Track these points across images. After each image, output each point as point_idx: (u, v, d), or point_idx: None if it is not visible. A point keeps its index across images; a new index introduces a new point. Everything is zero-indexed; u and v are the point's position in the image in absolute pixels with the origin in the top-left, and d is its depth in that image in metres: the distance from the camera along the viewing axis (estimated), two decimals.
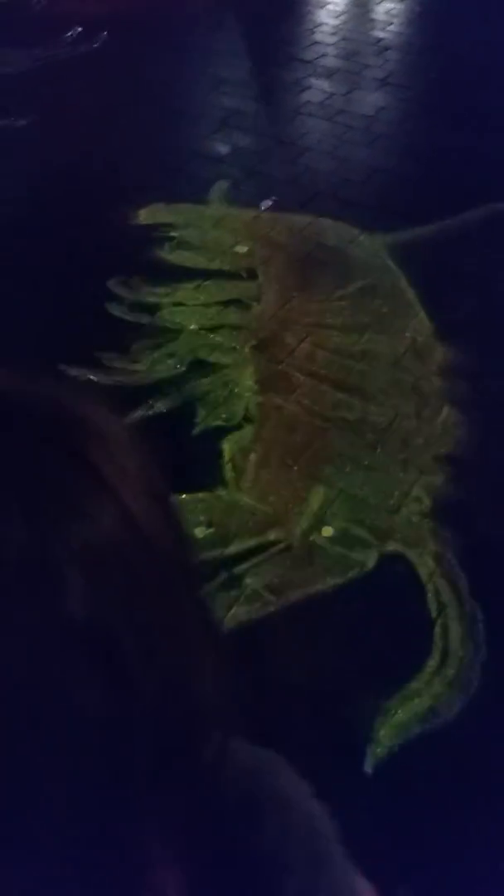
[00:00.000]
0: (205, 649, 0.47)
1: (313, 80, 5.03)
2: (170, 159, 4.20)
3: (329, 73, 5.12)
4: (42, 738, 0.38)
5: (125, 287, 3.29)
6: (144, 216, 3.74)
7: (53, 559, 0.39)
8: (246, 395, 2.89)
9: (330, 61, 5.27)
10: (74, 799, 0.39)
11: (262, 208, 3.74)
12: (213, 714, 0.46)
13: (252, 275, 3.43)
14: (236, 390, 2.91)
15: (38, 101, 4.52)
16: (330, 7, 6.06)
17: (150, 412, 2.79)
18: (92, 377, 2.87)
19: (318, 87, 4.95)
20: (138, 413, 2.76)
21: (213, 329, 3.15)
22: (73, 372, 2.86)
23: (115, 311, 3.19)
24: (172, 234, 3.62)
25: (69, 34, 5.23)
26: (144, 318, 3.17)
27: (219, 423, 2.79)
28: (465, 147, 4.35)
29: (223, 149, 4.36)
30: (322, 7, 6.09)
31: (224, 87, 4.92)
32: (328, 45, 5.48)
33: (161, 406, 2.82)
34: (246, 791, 0.55)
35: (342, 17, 5.91)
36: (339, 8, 6.05)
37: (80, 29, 5.27)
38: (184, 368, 2.97)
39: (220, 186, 3.98)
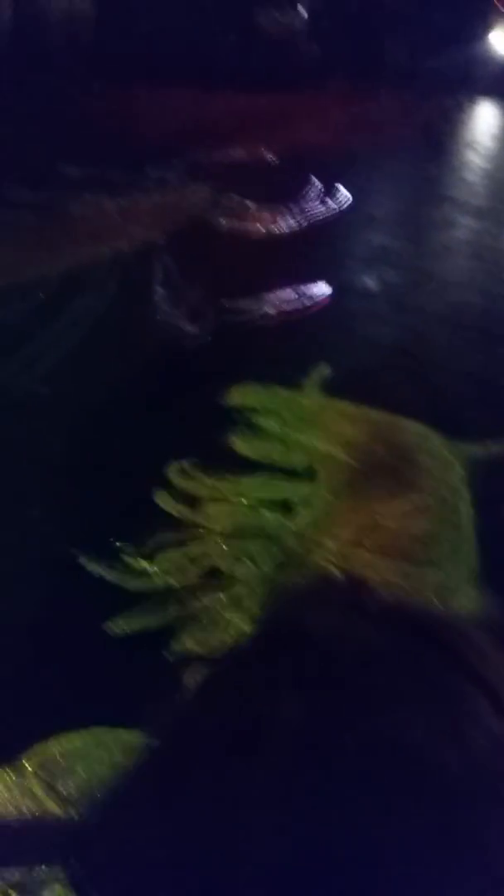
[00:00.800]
0: None
1: (462, 218, 5.22)
2: (277, 263, 4.46)
3: (477, 212, 5.30)
4: None
5: (181, 474, 3.03)
6: (235, 396, 3.52)
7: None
8: (239, 626, 2.42)
9: (478, 200, 5.47)
10: None
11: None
12: None
13: (310, 473, 3.10)
14: (233, 618, 2.45)
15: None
16: (478, 147, 6.31)
17: (138, 625, 2.43)
18: (104, 575, 2.58)
19: (467, 225, 5.13)
20: (124, 621, 2.43)
21: (245, 534, 2.78)
22: (88, 566, 2.61)
23: (162, 501, 2.89)
24: (252, 418, 3.39)
25: (311, 191, 5.37)
26: (184, 513, 2.84)
27: (197, 650, 2.33)
28: None
29: (372, 284, 4.55)
30: (470, 147, 6.36)
31: (375, 224, 5.18)
32: (477, 184, 5.70)
33: (153, 620, 2.45)
34: None
35: (490, 157, 6.14)
36: (488, 148, 6.30)
37: (320, 187, 5.43)
38: (196, 580, 2.58)
39: (320, 372, 3.75)
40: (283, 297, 4.14)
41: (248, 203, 5.13)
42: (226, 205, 5.11)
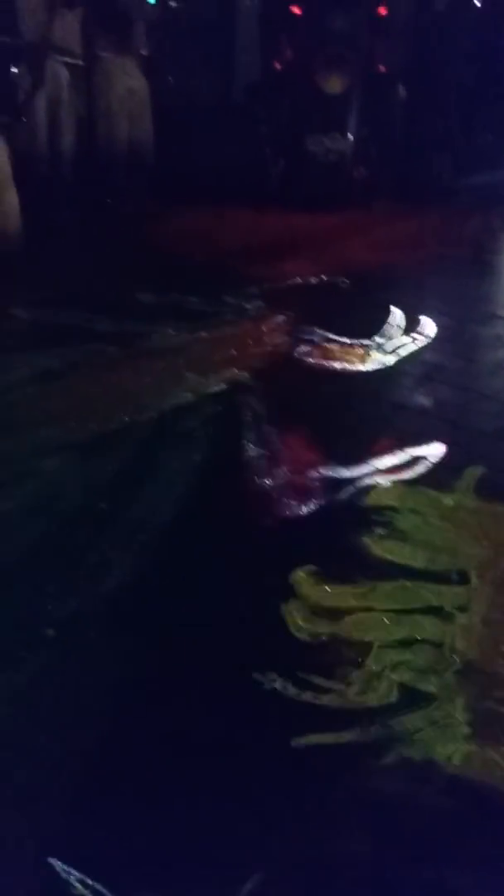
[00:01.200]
0: None
1: None
2: (373, 411, 4.42)
3: None
4: None
5: (310, 582, 2.89)
6: (373, 497, 3.43)
7: None
8: (457, 739, 2.33)
9: None
10: None
11: None
12: None
13: (461, 578, 2.95)
14: (447, 731, 2.36)
15: None
16: None
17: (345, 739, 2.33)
18: (292, 693, 2.47)
19: None
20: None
21: (407, 643, 2.64)
22: (267, 682, 2.49)
23: (295, 617, 2.75)
24: (391, 519, 3.25)
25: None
26: (324, 627, 2.72)
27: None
28: None
29: (426, 402, 4.58)
30: None
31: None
32: None
33: (359, 734, 2.35)
34: None
35: None
36: None
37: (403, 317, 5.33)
38: (395, 698, 2.46)
39: (471, 473, 3.63)
40: (395, 462, 3.77)
41: (332, 336, 5.03)
42: (308, 339, 4.99)
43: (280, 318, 5.25)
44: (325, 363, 4.75)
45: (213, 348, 4.83)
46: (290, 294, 5.72)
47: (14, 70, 6.51)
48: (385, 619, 2.72)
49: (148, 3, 7.51)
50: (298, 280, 6.02)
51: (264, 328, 5.13)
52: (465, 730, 2.35)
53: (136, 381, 4.40)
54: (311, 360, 4.77)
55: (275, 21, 8.24)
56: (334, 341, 4.96)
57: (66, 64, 6.76)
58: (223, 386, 4.39)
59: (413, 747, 2.30)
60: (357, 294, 5.80)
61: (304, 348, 4.86)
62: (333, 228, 7.27)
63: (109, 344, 4.79)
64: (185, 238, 6.68)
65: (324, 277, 6.07)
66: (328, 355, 4.83)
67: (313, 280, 6.06)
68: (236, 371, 4.54)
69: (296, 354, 4.82)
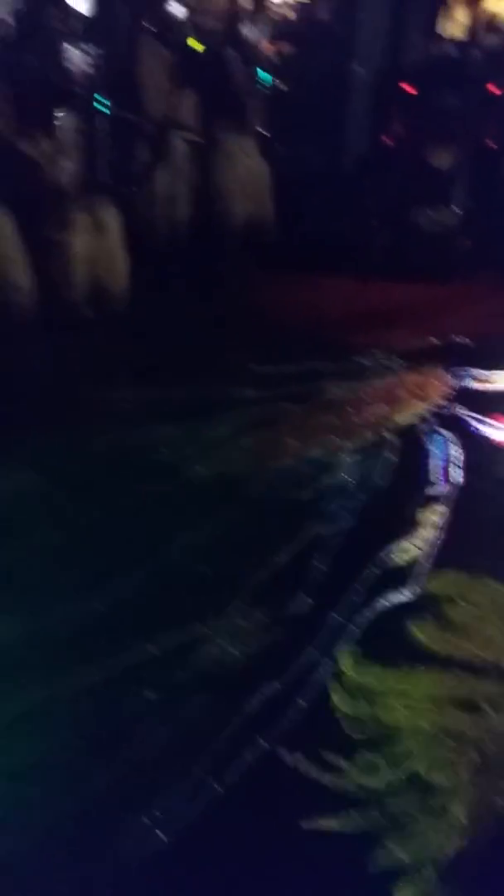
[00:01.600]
0: None
1: None
2: None
3: None
4: None
5: (354, 664, 2.96)
6: (433, 584, 3.44)
7: None
8: (453, 832, 2.32)
9: None
10: None
11: None
12: None
13: (499, 672, 2.93)
14: (444, 823, 2.36)
15: None
16: None
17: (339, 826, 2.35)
18: (315, 776, 2.50)
19: None
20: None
21: (434, 735, 2.63)
22: (295, 763, 2.53)
23: (336, 695, 2.82)
24: (444, 608, 3.24)
25: None
26: (362, 709, 2.74)
27: (402, 859, 2.26)
28: None
29: None
30: None
31: None
32: None
33: (353, 822, 2.37)
34: None
35: None
36: None
37: None
38: (400, 783, 2.47)
39: None
40: None
41: (487, 373, 5.85)
42: (469, 375, 5.84)
43: (432, 368, 5.88)
44: (490, 387, 5.71)
45: (396, 391, 5.56)
46: (421, 353, 6.13)
47: (136, 144, 6.86)
48: (417, 708, 2.73)
49: (259, 87, 7.78)
50: (432, 340, 6.37)
51: (427, 375, 5.79)
52: (463, 823, 2.33)
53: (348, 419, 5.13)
54: (478, 387, 5.70)
55: (387, 98, 8.47)
56: (490, 376, 5.82)
57: (186, 140, 7.09)
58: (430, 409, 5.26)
59: (410, 838, 2.29)
60: (481, 351, 6.22)
61: (469, 381, 5.77)
62: (439, 298, 7.34)
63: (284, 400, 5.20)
64: (297, 308, 6.82)
65: (454, 338, 6.41)
66: (490, 382, 5.74)
67: (438, 342, 6.37)
68: (427, 404, 5.37)
69: (465, 384, 5.68)
